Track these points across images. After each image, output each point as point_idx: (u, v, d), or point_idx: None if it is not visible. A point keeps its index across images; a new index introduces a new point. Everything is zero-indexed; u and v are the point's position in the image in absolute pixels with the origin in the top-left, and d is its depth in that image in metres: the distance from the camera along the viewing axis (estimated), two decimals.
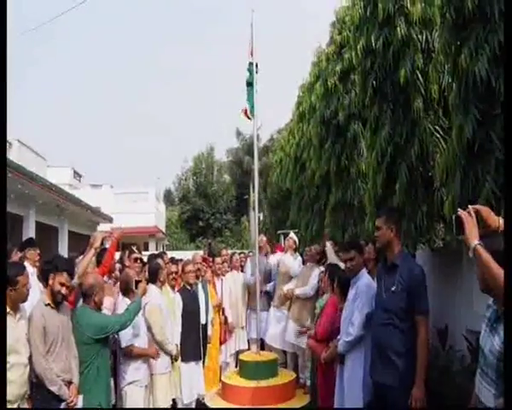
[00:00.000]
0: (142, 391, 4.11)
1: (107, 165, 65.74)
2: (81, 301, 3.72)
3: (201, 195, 36.35)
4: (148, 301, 4.30)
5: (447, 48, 3.61)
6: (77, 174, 23.78)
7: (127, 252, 5.27)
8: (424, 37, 4.42)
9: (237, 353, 6.56)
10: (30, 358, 3.14)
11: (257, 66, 6.23)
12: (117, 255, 5.10)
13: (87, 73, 74.18)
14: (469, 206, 1.99)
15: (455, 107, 3.51)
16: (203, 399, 5.55)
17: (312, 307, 5.41)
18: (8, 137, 11.01)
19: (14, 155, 11.77)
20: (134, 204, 22.50)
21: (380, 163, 4.68)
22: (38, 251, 5.24)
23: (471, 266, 3.67)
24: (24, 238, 7.60)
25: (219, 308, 6.42)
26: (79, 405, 3.33)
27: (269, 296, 6.64)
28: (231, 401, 5.45)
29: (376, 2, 4.69)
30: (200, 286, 5.85)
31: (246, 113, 6.28)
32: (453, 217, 2.01)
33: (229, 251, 7.95)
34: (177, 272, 5.22)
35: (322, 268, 5.45)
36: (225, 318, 6.53)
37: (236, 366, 6.36)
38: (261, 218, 15.94)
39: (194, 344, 5.18)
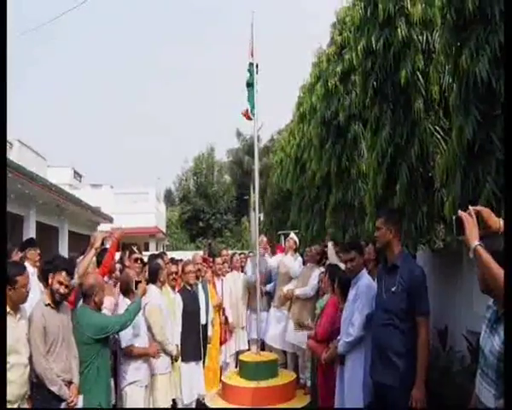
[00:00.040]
0: (143, 391, 4.11)
1: (108, 165, 65.81)
2: (81, 301, 3.73)
3: (202, 195, 36.37)
4: (148, 301, 4.30)
5: (448, 49, 3.61)
6: (77, 174, 23.78)
7: (127, 252, 5.28)
8: (425, 37, 4.42)
9: (237, 353, 6.56)
10: (30, 358, 3.14)
11: (257, 66, 6.23)
12: (117, 256, 5.10)
13: (87, 73, 74.32)
14: (470, 207, 1.99)
15: (455, 107, 3.51)
16: (203, 399, 5.56)
17: (312, 307, 5.40)
18: (9, 138, 11.02)
19: (14, 155, 11.78)
20: (134, 204, 22.49)
21: (380, 164, 4.68)
22: (39, 251, 5.24)
23: (471, 267, 3.67)
24: (24, 238, 7.60)
25: (219, 309, 6.42)
26: (79, 405, 3.33)
27: (269, 297, 6.64)
28: (231, 402, 5.45)
29: (377, 3, 4.69)
30: (200, 286, 5.85)
31: (246, 113, 6.29)
32: (453, 218, 2.01)
33: (230, 251, 7.96)
34: (177, 273, 5.22)
35: (323, 269, 5.45)
36: (225, 318, 6.54)
37: (236, 367, 6.35)
38: (261, 218, 15.92)
39: (194, 344, 5.18)
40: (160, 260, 4.95)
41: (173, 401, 4.72)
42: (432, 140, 4.30)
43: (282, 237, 9.87)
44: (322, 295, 5.07)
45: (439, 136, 4.30)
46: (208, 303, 5.93)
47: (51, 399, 3.18)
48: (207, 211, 35.66)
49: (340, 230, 6.66)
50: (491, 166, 3.14)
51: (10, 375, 2.94)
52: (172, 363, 4.62)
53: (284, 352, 6.31)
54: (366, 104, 5.07)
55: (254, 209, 7.16)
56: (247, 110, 6.27)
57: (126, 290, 4.19)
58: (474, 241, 1.88)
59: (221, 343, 6.41)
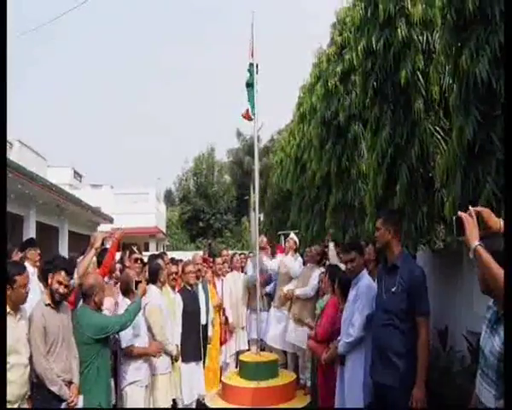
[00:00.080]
0: (143, 391, 4.10)
1: (108, 165, 65.79)
2: (81, 301, 3.73)
3: (202, 195, 36.36)
4: (148, 301, 4.30)
5: (448, 49, 3.62)
6: (77, 174, 23.77)
7: (127, 252, 5.28)
8: (425, 38, 4.42)
9: (237, 353, 6.56)
10: (30, 358, 3.14)
11: (257, 66, 6.23)
12: (117, 256, 5.10)
13: (87, 73, 74.30)
14: (470, 207, 1.99)
15: (455, 108, 3.51)
16: (203, 399, 5.56)
17: (313, 307, 5.41)
18: (9, 138, 11.03)
19: (14, 155, 11.78)
20: (134, 204, 22.49)
21: (380, 164, 4.68)
22: (39, 251, 5.24)
23: (471, 268, 3.67)
24: (24, 238, 7.61)
25: (220, 309, 6.42)
26: (80, 405, 3.33)
27: (269, 297, 6.64)
28: (231, 402, 5.45)
29: (377, 3, 4.70)
30: (200, 287, 5.85)
31: (247, 114, 6.29)
32: (453, 218, 2.01)
33: (230, 252, 7.96)
34: (177, 273, 5.22)
35: (323, 269, 5.46)
36: (226, 318, 6.54)
37: (237, 367, 6.35)
38: (261, 218, 15.93)
39: (194, 345, 5.18)
40: (160, 261, 4.95)
41: (173, 401, 4.72)
42: (432, 140, 4.30)
43: (282, 238, 9.86)
44: (322, 295, 5.07)
45: (439, 136, 4.30)
46: (208, 303, 5.93)
47: (51, 399, 3.18)
48: (207, 211, 35.65)
49: (340, 230, 6.66)
50: (491, 167, 3.14)
51: (10, 375, 2.94)
52: (172, 363, 4.62)
53: (284, 352, 6.31)
54: (366, 104, 5.07)
55: (254, 209, 7.16)
56: (248, 111, 6.27)
57: (126, 290, 4.19)
58: (475, 241, 1.89)
59: (221, 343, 6.41)
